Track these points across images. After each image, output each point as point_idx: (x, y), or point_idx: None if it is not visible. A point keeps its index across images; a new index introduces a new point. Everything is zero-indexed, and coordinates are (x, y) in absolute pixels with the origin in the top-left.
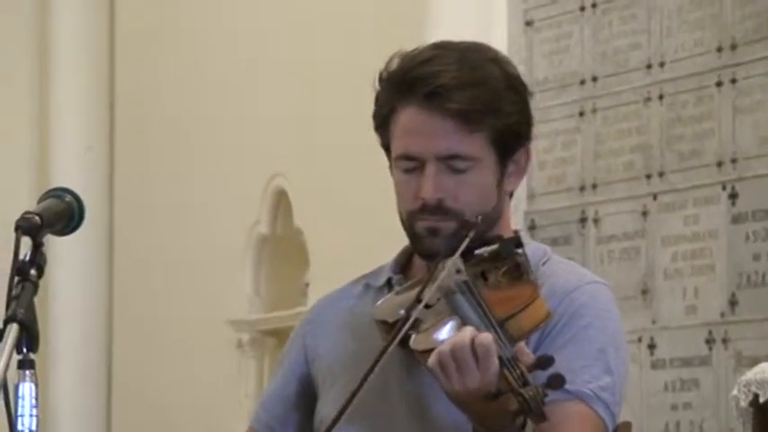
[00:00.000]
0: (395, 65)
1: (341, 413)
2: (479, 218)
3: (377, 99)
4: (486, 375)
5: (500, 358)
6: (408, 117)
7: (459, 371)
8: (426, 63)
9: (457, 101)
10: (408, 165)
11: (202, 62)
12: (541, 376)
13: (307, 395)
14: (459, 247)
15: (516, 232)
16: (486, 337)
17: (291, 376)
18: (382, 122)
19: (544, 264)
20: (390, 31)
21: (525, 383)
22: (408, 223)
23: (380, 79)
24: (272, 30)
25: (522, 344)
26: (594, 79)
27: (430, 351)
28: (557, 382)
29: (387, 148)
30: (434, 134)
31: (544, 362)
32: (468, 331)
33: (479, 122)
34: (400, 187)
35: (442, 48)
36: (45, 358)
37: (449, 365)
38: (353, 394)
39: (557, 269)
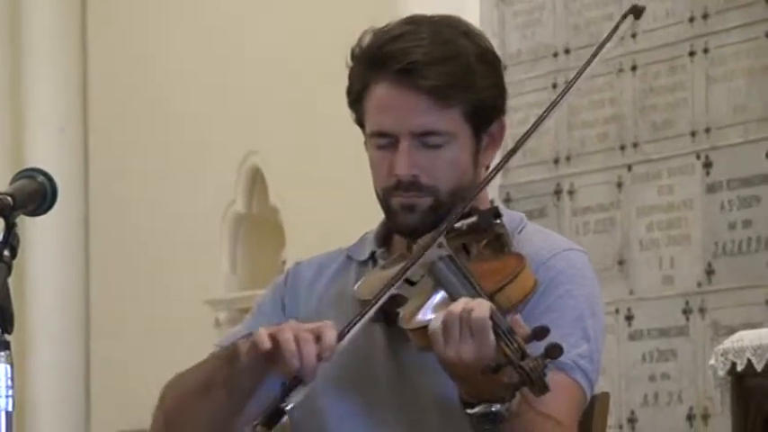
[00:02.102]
0: (367, 41)
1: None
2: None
3: (350, 75)
4: (483, 346)
5: (496, 331)
6: (381, 94)
7: (458, 339)
8: (398, 39)
9: (429, 77)
10: (382, 141)
11: (176, 41)
12: (538, 347)
13: None
14: (440, 222)
15: (492, 202)
16: (483, 304)
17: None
18: (356, 99)
19: (520, 232)
20: (364, 6)
21: (524, 356)
22: (384, 199)
23: (353, 55)
24: (247, 8)
25: (517, 316)
26: (567, 51)
27: (422, 329)
28: (555, 351)
29: (361, 124)
30: (408, 111)
31: (540, 333)
32: (463, 301)
33: (452, 98)
34: (375, 164)
35: (414, 23)
36: (22, 340)
37: (452, 330)
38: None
39: (532, 237)
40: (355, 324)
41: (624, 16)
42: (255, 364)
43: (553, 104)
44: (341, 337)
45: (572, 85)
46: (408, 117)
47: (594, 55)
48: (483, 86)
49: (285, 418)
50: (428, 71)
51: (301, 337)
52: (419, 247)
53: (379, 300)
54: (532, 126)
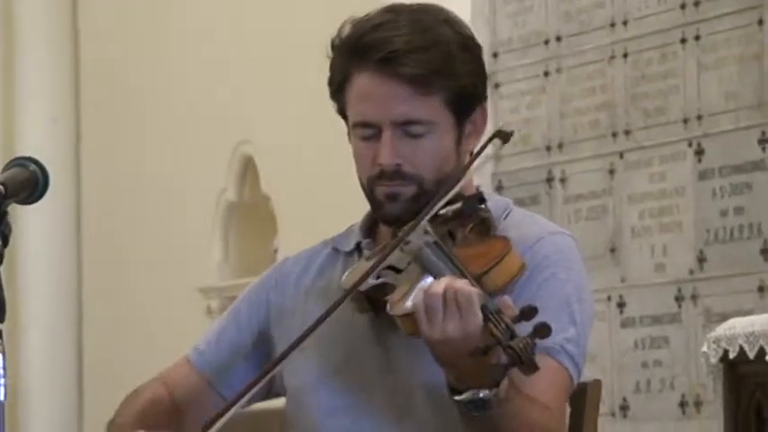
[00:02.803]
0: (347, 31)
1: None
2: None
3: (331, 66)
4: (469, 324)
5: (484, 311)
6: (362, 84)
7: (443, 316)
8: (378, 28)
9: (410, 65)
10: (365, 132)
11: (167, 31)
12: (527, 326)
13: (259, 351)
14: (423, 210)
15: (478, 187)
16: (466, 283)
17: (247, 327)
18: (337, 89)
19: (506, 217)
20: None
21: (513, 336)
22: (368, 189)
23: (333, 46)
24: None
25: (505, 297)
26: (558, 39)
27: (410, 315)
28: (543, 331)
29: (343, 114)
30: (389, 100)
31: (528, 312)
32: (448, 279)
33: (433, 86)
34: (358, 154)
35: (394, 11)
36: (14, 329)
37: (436, 308)
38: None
39: (519, 221)
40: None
41: (490, 139)
42: None
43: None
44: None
45: (428, 212)
46: (390, 106)
47: (459, 179)
48: (464, 73)
49: None
50: (409, 59)
51: None
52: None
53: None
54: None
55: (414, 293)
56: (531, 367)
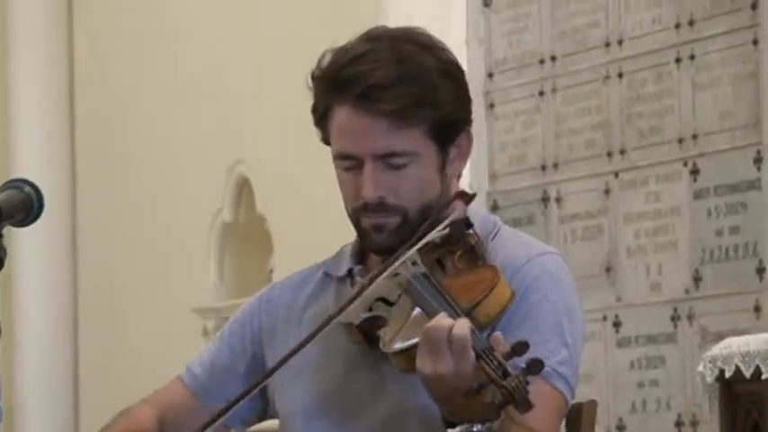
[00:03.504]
0: (326, 62)
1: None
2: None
3: (314, 95)
4: (462, 363)
5: (475, 350)
6: (343, 117)
7: (437, 355)
8: (356, 61)
9: (388, 100)
10: (347, 164)
11: (163, 51)
12: (519, 362)
13: (252, 372)
14: (412, 240)
15: (465, 210)
16: (462, 322)
17: (240, 349)
18: (320, 119)
19: (493, 238)
20: (351, 16)
21: (506, 374)
22: (354, 219)
23: (313, 77)
24: (233, 16)
25: (497, 333)
26: (553, 58)
27: (403, 352)
28: (535, 366)
29: (327, 142)
30: (369, 134)
31: (519, 348)
32: (439, 318)
33: (414, 117)
34: (342, 185)
35: (373, 40)
36: (10, 348)
37: (427, 349)
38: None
39: (506, 242)
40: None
41: (451, 200)
42: None
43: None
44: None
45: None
46: (370, 140)
47: (418, 239)
48: (445, 101)
49: None
50: (387, 95)
51: None
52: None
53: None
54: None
55: (405, 331)
56: (524, 406)
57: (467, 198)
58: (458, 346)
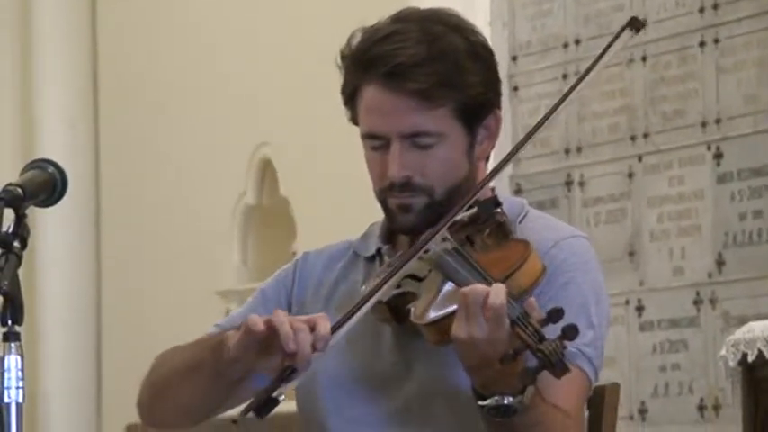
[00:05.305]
0: (356, 41)
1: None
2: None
3: (343, 75)
4: (497, 330)
5: (510, 317)
6: (370, 96)
7: (471, 321)
8: (385, 40)
9: (416, 79)
10: (374, 143)
11: (186, 34)
12: (553, 329)
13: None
14: (438, 219)
15: (493, 190)
16: (498, 288)
17: (275, 306)
18: (349, 99)
19: (521, 221)
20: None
21: (541, 339)
22: (381, 199)
23: (342, 56)
24: (258, 1)
25: (531, 299)
26: (577, 42)
27: (434, 323)
28: (571, 332)
29: (356, 122)
30: (396, 113)
31: (554, 315)
32: (473, 285)
33: (441, 98)
34: (369, 165)
35: (403, 20)
36: (33, 331)
37: (462, 315)
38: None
39: (534, 225)
40: (349, 319)
41: (622, 30)
42: (245, 354)
43: (529, 132)
44: (334, 329)
45: (564, 99)
46: (397, 119)
47: (588, 71)
48: (473, 83)
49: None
50: (415, 73)
51: (295, 324)
52: (420, 242)
53: (373, 295)
54: (518, 144)
55: (437, 303)
56: (562, 369)
57: (638, 24)
58: (494, 313)
